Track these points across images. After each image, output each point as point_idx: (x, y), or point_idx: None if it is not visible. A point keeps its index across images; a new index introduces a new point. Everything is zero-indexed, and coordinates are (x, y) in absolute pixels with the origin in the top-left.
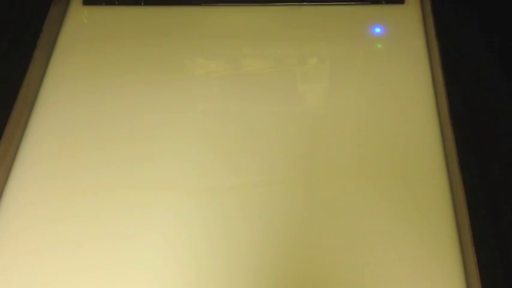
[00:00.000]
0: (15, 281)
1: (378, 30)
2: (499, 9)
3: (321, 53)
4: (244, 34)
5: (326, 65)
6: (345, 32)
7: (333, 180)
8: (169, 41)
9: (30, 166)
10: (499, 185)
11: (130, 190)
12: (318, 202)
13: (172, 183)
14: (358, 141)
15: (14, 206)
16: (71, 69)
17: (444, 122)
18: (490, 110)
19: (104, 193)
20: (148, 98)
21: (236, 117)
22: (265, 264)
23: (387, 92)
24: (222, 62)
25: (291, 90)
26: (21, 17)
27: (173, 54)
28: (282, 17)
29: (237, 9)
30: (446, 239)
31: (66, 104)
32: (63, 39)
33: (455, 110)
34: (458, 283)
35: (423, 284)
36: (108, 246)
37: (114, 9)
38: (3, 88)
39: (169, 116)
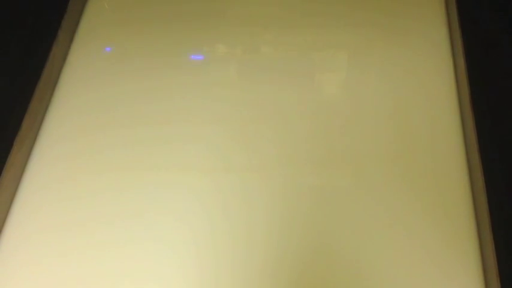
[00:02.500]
0: (36, 250)
1: None
2: None
3: (340, 41)
4: (264, 21)
5: (346, 53)
6: (366, 20)
7: (350, 165)
8: (189, 27)
9: (52, 143)
10: None
11: (149, 170)
12: (334, 186)
13: (189, 164)
14: (377, 129)
15: (36, 181)
16: (93, 50)
17: (466, 112)
18: None
19: (123, 172)
20: (168, 81)
21: (254, 102)
22: (284, 241)
23: (408, 81)
24: (241, 48)
25: (310, 77)
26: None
27: (193, 40)
28: (302, 4)
29: None
30: (464, 226)
31: (87, 84)
32: (85, 22)
33: (477, 100)
34: (475, 271)
35: (439, 268)
36: (126, 223)
37: None
38: (28, 65)
39: (188, 99)
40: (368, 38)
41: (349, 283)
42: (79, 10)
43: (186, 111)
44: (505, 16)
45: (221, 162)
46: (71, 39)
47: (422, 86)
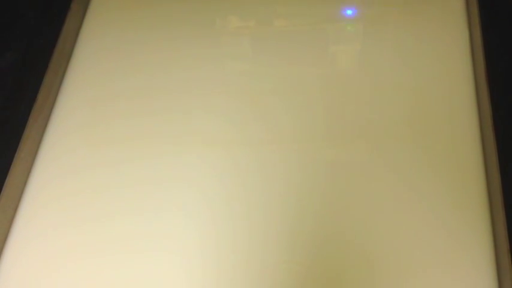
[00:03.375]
0: (56, 216)
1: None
2: None
3: (355, 12)
4: None
5: (360, 25)
6: None
7: (366, 138)
8: None
9: (68, 114)
10: None
11: (163, 141)
12: (350, 159)
13: (205, 136)
14: (393, 101)
15: (52, 152)
16: (107, 21)
17: (481, 83)
18: None
19: (139, 143)
20: (183, 52)
21: (270, 75)
22: (300, 213)
23: (423, 53)
24: (254, 20)
25: (324, 48)
26: None
27: (207, 11)
28: None
29: None
30: (477, 201)
31: (102, 55)
32: None
33: (493, 72)
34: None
35: (451, 241)
36: (142, 194)
37: None
38: (42, 37)
39: (203, 71)
40: (383, 7)
41: (365, 255)
42: None
43: (202, 83)
44: None
45: (237, 135)
46: (84, 11)
47: (437, 57)
